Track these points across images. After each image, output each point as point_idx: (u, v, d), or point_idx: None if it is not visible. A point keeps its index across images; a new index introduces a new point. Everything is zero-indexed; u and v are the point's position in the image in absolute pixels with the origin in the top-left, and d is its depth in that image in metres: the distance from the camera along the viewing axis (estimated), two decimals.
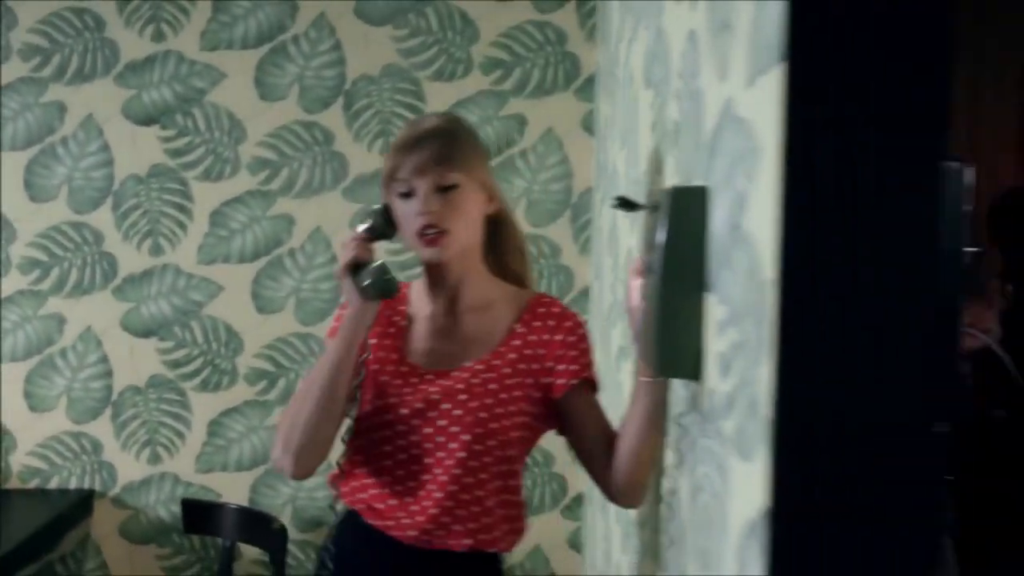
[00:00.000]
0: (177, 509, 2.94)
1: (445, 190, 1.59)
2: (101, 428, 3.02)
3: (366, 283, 1.58)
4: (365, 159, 2.98)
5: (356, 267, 1.60)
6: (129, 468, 3.03)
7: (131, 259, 3.00)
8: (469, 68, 2.98)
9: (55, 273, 3.00)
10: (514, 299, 1.70)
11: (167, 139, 2.98)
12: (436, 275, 1.68)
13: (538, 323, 1.66)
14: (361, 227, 1.63)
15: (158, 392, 3.02)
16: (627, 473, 1.57)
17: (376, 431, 1.64)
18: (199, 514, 2.79)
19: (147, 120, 2.98)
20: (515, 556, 3.05)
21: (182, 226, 3.00)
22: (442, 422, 1.61)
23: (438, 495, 1.61)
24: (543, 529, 3.03)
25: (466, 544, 1.63)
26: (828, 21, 0.93)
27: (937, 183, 0.94)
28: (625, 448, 1.56)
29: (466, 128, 1.68)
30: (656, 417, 1.49)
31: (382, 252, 1.65)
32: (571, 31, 2.97)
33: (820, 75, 0.93)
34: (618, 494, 1.62)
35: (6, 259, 2.98)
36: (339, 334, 1.62)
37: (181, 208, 3.00)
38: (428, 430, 1.62)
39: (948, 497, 1.26)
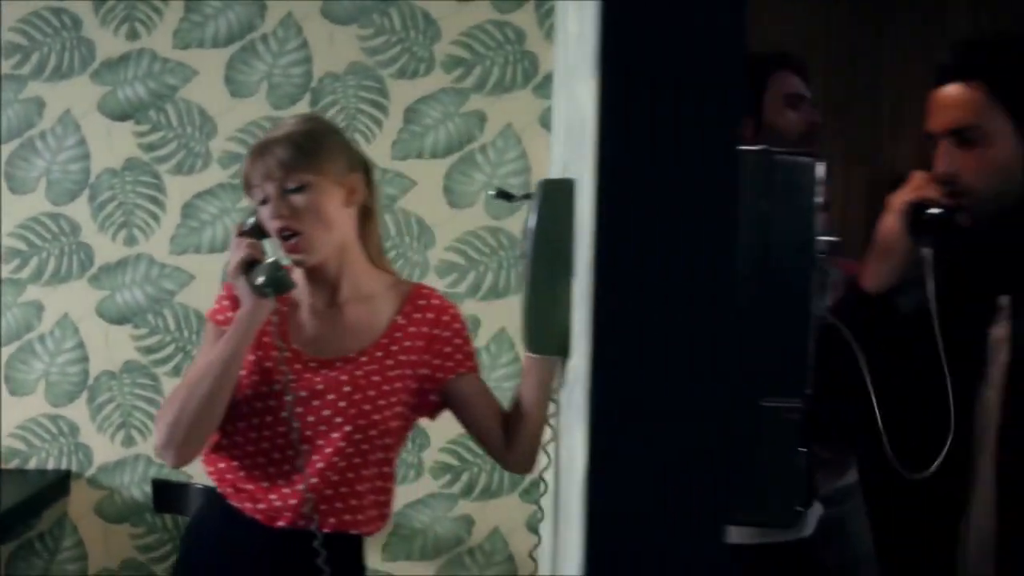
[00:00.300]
0: (150, 490, 3.05)
1: (295, 192, 1.66)
2: (78, 411, 3.14)
3: (259, 281, 1.64)
4: None
5: (249, 266, 1.68)
6: (104, 450, 3.16)
7: (106, 249, 3.12)
8: (431, 66, 3.08)
9: (34, 262, 3.12)
10: (395, 290, 1.78)
11: (141, 134, 3.10)
12: (314, 269, 1.75)
13: (418, 315, 1.75)
14: (244, 226, 1.71)
15: (132, 377, 3.15)
16: (517, 444, 1.68)
17: (256, 415, 1.71)
18: (168, 493, 2.91)
19: (122, 116, 3.10)
20: (474, 539, 3.16)
21: (155, 217, 3.12)
22: (326, 412, 1.69)
23: (313, 480, 1.69)
24: (502, 512, 3.13)
25: (331, 524, 1.71)
26: (635, 28, 1.03)
27: (734, 178, 1.04)
28: (514, 421, 1.68)
29: (320, 128, 1.74)
30: (541, 391, 1.60)
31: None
32: (530, 31, 3.08)
33: (627, 78, 1.03)
34: (511, 464, 1.73)
35: None
36: (231, 333, 1.67)
37: (154, 200, 3.12)
38: (311, 418, 1.69)
39: (806, 467, 1.35)
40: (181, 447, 1.68)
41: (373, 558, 3.12)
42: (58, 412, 3.15)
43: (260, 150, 1.68)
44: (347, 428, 1.68)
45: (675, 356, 1.05)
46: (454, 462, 3.09)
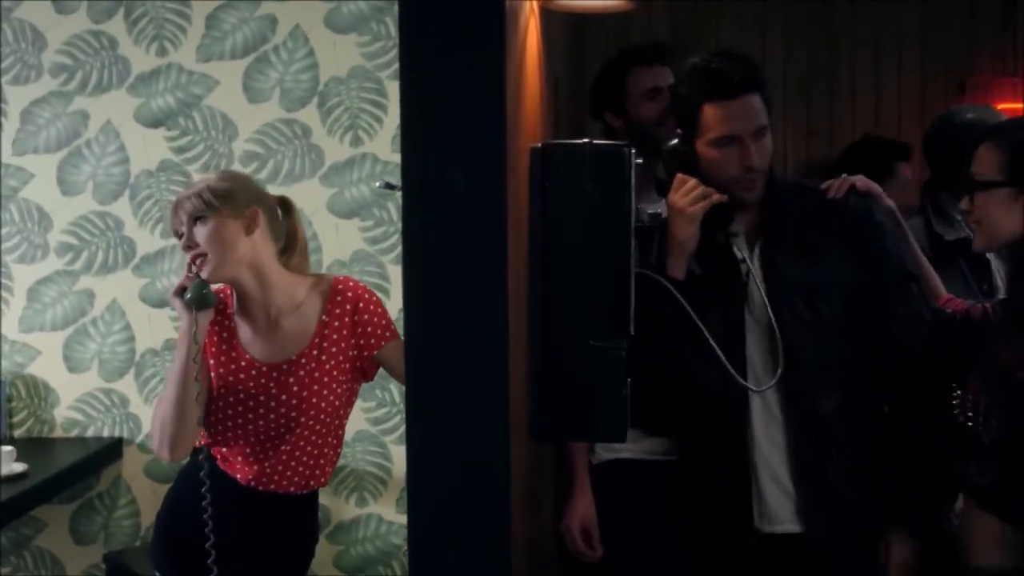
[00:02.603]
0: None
1: (197, 224, 2.04)
2: (127, 385, 3.56)
3: (187, 298, 2.02)
4: (338, 149, 3.45)
5: (183, 290, 2.05)
6: (150, 419, 3.57)
7: (146, 241, 3.53)
8: None
9: (85, 255, 3.54)
10: (317, 290, 2.14)
11: (172, 139, 3.50)
12: (236, 288, 2.11)
13: (338, 309, 2.11)
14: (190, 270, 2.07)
15: (173, 355, 3.55)
16: None
17: (229, 419, 2.10)
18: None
19: (155, 123, 3.50)
20: None
21: None
22: (282, 409, 2.08)
23: (283, 456, 2.09)
24: None
25: (298, 485, 2.12)
26: (428, 48, 1.34)
27: (500, 178, 1.35)
28: None
29: (222, 176, 2.11)
30: None
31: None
32: None
33: (425, 93, 1.35)
34: None
35: (45, 244, 3.54)
36: (178, 348, 2.07)
37: None
38: (272, 416, 2.08)
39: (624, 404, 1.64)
40: (172, 446, 2.09)
41: (388, 510, 3.49)
42: (110, 386, 3.57)
43: (175, 206, 2.09)
44: (302, 419, 2.08)
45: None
46: None
